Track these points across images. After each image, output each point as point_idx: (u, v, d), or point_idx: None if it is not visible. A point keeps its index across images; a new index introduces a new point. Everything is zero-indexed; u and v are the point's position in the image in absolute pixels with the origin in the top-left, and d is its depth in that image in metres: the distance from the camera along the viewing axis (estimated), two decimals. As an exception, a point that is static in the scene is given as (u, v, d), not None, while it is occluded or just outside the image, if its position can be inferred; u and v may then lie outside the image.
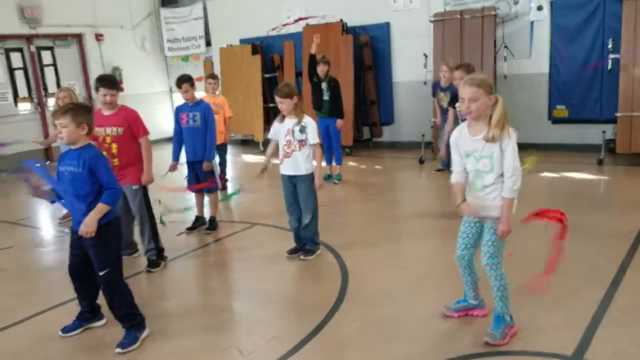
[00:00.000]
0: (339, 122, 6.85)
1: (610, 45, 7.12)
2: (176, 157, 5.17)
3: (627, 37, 6.88)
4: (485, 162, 2.85)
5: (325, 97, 6.84)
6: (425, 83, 8.39)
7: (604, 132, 7.30)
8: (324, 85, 6.82)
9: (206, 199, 5.42)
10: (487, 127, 2.82)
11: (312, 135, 4.20)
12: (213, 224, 5.31)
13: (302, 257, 4.39)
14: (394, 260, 4.35)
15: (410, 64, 8.87)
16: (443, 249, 4.46)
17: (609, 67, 7.18)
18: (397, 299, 3.60)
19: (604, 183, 6.45)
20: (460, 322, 3.19)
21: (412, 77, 8.86)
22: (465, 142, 2.94)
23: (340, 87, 6.95)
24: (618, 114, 6.94)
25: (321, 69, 6.75)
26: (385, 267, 4.18)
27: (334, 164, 7.11)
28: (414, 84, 8.83)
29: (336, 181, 6.98)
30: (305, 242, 4.44)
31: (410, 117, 9.16)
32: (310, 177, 4.27)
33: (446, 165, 7.14)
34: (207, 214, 5.42)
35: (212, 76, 6.82)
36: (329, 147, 7.06)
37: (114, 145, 4.11)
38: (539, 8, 7.85)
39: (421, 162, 8.03)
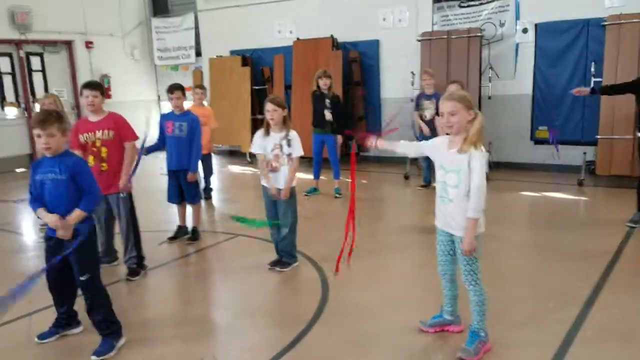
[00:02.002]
0: (338, 137, 6.88)
1: (592, 69, 7.29)
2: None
3: (609, 61, 7.05)
4: (452, 176, 2.90)
5: (328, 116, 6.82)
6: (412, 100, 8.49)
7: (584, 153, 7.44)
8: (327, 102, 6.81)
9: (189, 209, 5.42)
10: (462, 141, 2.88)
11: (297, 147, 4.24)
12: (195, 234, 5.31)
13: (277, 268, 4.41)
14: (374, 275, 4.38)
15: (398, 81, 9.00)
16: (423, 264, 4.51)
17: (591, 90, 7.34)
18: (375, 313, 3.62)
19: (583, 204, 6.56)
20: (436, 337, 3.22)
21: (400, 93, 8.98)
22: (441, 153, 3.00)
23: (341, 103, 7.04)
24: (598, 137, 7.09)
25: (324, 83, 6.79)
26: (365, 281, 4.21)
27: (322, 178, 7.13)
28: (401, 101, 8.93)
29: (337, 195, 7.00)
30: (282, 255, 4.46)
31: (397, 133, 9.21)
32: (290, 190, 4.30)
33: (428, 181, 7.24)
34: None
35: (200, 87, 6.86)
36: (319, 161, 7.11)
37: (104, 150, 4.12)
38: (524, 31, 8.03)
39: (406, 177, 8.11)
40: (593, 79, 7.28)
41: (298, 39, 9.75)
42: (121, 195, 4.19)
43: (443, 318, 3.28)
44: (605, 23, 7.10)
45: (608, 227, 5.32)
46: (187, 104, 5.44)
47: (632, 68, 6.85)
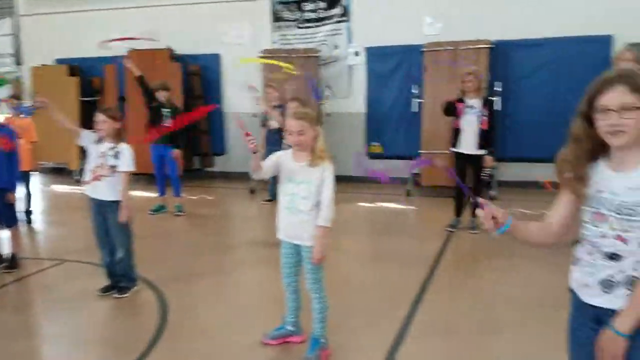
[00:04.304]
0: (175, 152, 6.55)
1: (415, 91, 8.05)
2: None
3: (428, 83, 7.86)
4: (303, 188, 3.00)
5: (167, 124, 6.51)
6: (255, 115, 8.57)
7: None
8: (165, 111, 6.54)
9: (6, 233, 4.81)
10: (310, 155, 3.00)
11: (125, 161, 3.99)
12: (13, 262, 4.72)
13: (115, 295, 4.09)
14: (218, 292, 4.30)
15: (241, 95, 8.99)
16: (267, 278, 4.53)
17: (414, 109, 8.12)
18: (217, 331, 3.55)
19: (411, 212, 7.20)
20: (279, 349, 3.26)
21: (244, 108, 8.98)
22: (288, 165, 3.06)
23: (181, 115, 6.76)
24: (421, 152, 7.85)
25: (163, 95, 6.54)
26: (207, 300, 4.11)
27: (171, 195, 6.83)
28: (245, 116, 8.95)
29: (178, 213, 6.70)
30: (120, 279, 4.15)
31: (242, 147, 9.19)
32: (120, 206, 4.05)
33: (273, 196, 7.35)
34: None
35: (16, 97, 6.22)
36: (162, 177, 6.78)
37: None
38: (356, 54, 8.62)
39: (252, 192, 8.12)
40: (416, 100, 8.05)
41: (133, 49, 9.27)
42: None
43: (285, 329, 3.33)
44: (424, 49, 7.92)
45: (430, 233, 5.88)
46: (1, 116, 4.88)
47: (448, 89, 7.68)
